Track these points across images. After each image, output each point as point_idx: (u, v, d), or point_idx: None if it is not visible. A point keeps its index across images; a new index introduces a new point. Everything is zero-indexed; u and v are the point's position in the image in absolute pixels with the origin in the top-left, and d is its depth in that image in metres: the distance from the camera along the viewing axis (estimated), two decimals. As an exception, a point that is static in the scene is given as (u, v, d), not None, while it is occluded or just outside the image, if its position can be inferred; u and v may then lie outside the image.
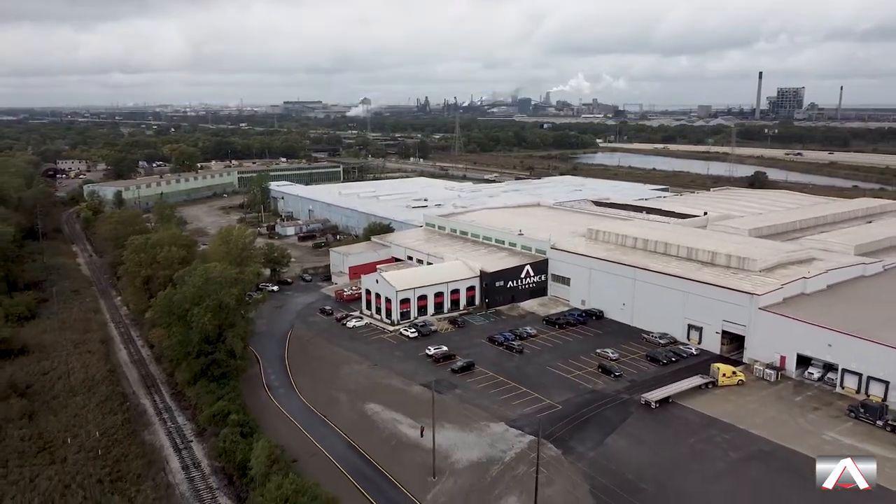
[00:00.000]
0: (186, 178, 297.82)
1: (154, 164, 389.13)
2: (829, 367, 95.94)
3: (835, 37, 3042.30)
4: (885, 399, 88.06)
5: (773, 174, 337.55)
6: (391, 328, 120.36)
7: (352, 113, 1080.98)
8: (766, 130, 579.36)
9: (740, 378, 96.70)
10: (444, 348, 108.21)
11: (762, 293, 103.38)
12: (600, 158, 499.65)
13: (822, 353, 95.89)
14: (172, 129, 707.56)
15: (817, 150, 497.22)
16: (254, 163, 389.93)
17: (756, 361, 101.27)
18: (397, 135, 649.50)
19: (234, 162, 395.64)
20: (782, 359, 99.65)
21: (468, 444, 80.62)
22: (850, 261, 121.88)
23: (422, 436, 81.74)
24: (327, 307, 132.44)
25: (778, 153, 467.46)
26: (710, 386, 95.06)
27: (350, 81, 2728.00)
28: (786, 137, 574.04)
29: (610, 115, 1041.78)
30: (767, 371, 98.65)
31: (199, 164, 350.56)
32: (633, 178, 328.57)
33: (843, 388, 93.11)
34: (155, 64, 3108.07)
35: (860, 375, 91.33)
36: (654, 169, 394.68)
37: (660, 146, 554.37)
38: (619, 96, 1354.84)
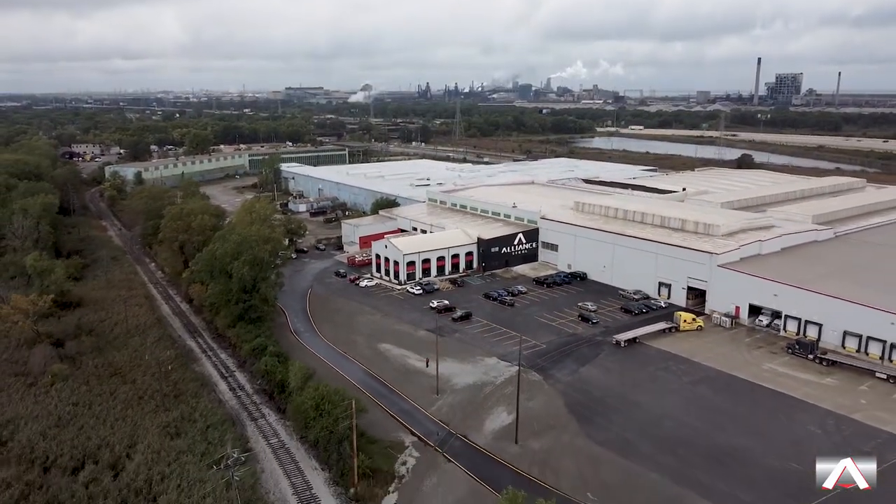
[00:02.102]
0: (200, 160, 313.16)
1: (165, 148, 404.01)
2: (776, 315, 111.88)
3: (829, 22, 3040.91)
4: (818, 339, 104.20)
5: (762, 157, 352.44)
6: (399, 287, 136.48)
7: (353, 99, 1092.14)
8: (758, 115, 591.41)
9: (699, 324, 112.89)
10: (446, 302, 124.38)
11: (721, 253, 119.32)
12: (598, 143, 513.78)
13: (769, 303, 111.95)
14: (177, 115, 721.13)
15: (807, 134, 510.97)
16: (262, 146, 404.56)
17: (714, 311, 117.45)
18: (399, 120, 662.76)
19: (242, 146, 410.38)
20: (737, 308, 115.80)
21: (466, 372, 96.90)
22: (805, 228, 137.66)
23: (427, 366, 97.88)
24: (341, 271, 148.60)
25: (769, 137, 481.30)
26: (672, 330, 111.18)
27: (350, 67, 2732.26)
28: (779, 122, 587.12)
29: (610, 101, 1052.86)
30: (724, 319, 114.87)
31: (210, 148, 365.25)
32: (626, 160, 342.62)
33: (786, 331, 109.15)
34: (154, 50, 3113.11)
35: (799, 320, 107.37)
36: (647, 152, 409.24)
37: (655, 131, 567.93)
38: (620, 82, 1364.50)
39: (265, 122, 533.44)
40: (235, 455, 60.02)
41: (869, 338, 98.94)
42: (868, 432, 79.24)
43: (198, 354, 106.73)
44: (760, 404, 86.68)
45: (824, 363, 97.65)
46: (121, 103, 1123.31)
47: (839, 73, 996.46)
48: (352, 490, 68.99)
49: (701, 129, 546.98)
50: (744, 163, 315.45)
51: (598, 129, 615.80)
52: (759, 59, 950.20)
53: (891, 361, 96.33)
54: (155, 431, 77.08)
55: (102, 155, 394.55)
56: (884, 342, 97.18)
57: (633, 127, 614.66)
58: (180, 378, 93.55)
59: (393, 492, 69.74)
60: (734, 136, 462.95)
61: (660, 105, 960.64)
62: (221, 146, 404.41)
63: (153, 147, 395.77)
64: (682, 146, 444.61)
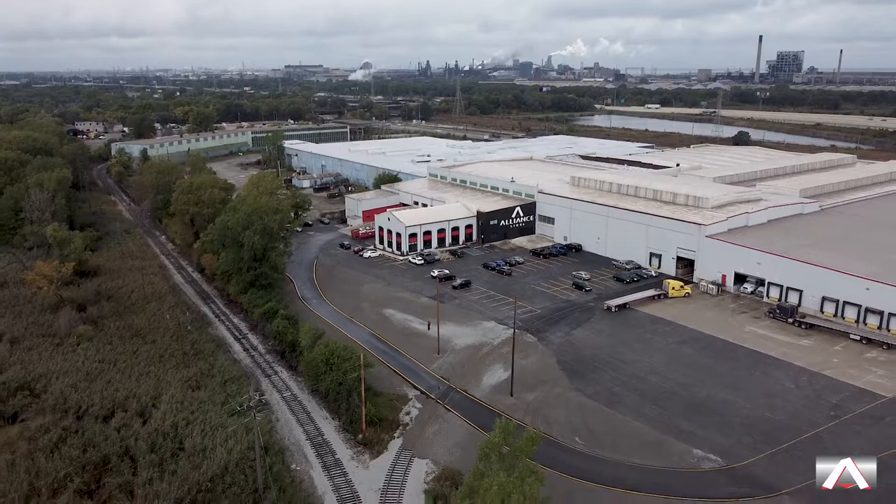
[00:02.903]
0: (204, 137, 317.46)
1: (168, 126, 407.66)
2: (760, 283, 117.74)
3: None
4: (799, 304, 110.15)
5: (759, 135, 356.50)
6: (401, 258, 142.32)
7: (353, 77, 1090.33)
8: (758, 94, 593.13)
9: (687, 291, 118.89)
10: (446, 271, 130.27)
11: (709, 224, 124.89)
12: (597, 121, 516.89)
13: (753, 271, 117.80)
14: (178, 93, 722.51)
15: (806, 112, 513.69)
16: (263, 124, 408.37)
17: (702, 280, 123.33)
18: (399, 98, 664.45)
19: (244, 123, 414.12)
20: (723, 276, 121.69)
21: (465, 334, 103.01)
22: (791, 201, 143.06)
23: (428, 329, 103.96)
24: (345, 243, 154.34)
25: (767, 114, 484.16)
26: (661, 297, 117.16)
27: (349, 45, 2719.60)
28: (778, 100, 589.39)
29: (611, 79, 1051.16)
30: (711, 286, 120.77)
31: (213, 125, 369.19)
32: (625, 138, 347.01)
33: (768, 298, 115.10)
34: (151, 28, 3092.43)
35: (781, 287, 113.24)
36: (646, 130, 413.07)
37: (654, 107, 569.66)
38: (621, 60, 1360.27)
39: (266, 100, 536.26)
40: (257, 397, 66.00)
41: (845, 302, 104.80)
42: (837, 387, 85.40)
43: (211, 319, 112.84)
44: (740, 362, 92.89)
45: (803, 326, 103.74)
46: (120, 81, 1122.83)
47: (840, 51, 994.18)
48: (360, 436, 75.28)
49: (700, 108, 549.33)
50: (740, 140, 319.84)
51: (599, 108, 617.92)
52: (761, 37, 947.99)
53: (865, 324, 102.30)
54: (177, 384, 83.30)
55: (106, 133, 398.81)
56: (859, 306, 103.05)
57: (634, 108, 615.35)
58: (197, 339, 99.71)
59: (398, 437, 76.08)
60: (725, 115, 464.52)
61: (661, 83, 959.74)
62: (224, 124, 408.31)
63: (156, 125, 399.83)
64: (681, 124, 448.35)
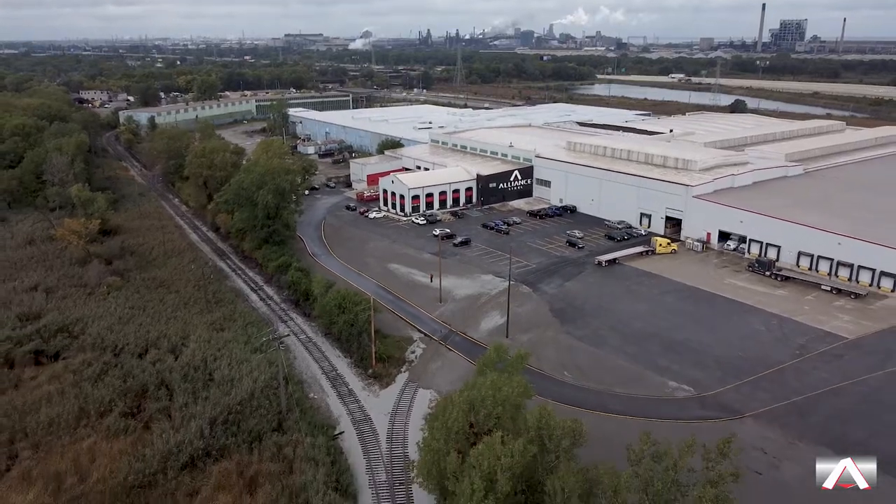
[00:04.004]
0: (209, 105, 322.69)
1: (172, 94, 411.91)
2: (742, 240, 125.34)
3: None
4: (777, 258, 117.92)
5: (756, 103, 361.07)
6: (404, 218, 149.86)
7: (353, 46, 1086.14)
8: (758, 62, 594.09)
9: (674, 248, 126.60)
10: (447, 230, 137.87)
11: (695, 185, 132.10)
12: (598, 90, 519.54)
13: (736, 228, 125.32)
14: (178, 62, 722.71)
15: (806, 81, 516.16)
16: (266, 93, 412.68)
17: (688, 238, 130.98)
18: (400, 67, 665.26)
19: (247, 92, 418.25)
20: (708, 234, 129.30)
21: (465, 285, 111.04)
22: (776, 164, 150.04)
23: (431, 281, 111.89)
24: (351, 205, 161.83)
25: (766, 83, 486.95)
26: (649, 253, 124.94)
27: (348, 13, 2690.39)
28: (778, 69, 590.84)
29: (612, 48, 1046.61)
30: (696, 244, 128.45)
31: (217, 94, 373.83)
32: (624, 106, 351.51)
33: (749, 254, 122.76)
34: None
35: (761, 243, 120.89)
36: (645, 98, 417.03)
37: (678, 77, 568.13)
38: (623, 29, 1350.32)
39: (268, 69, 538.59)
40: (279, 331, 74.10)
41: (819, 257, 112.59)
42: (804, 330, 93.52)
43: (228, 273, 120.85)
44: (717, 309, 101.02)
45: (778, 278, 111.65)
46: (120, 50, 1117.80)
47: (844, 20, 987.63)
48: (370, 370, 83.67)
49: (700, 77, 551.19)
50: (736, 108, 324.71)
51: (599, 77, 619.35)
52: (764, 5, 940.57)
53: (836, 276, 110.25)
54: (203, 326, 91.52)
55: (110, 101, 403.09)
56: (831, 260, 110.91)
57: (634, 77, 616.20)
58: (217, 289, 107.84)
59: (404, 371, 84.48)
60: (724, 84, 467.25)
61: (662, 52, 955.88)
62: (227, 93, 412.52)
63: (161, 94, 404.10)
64: (680, 93, 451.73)
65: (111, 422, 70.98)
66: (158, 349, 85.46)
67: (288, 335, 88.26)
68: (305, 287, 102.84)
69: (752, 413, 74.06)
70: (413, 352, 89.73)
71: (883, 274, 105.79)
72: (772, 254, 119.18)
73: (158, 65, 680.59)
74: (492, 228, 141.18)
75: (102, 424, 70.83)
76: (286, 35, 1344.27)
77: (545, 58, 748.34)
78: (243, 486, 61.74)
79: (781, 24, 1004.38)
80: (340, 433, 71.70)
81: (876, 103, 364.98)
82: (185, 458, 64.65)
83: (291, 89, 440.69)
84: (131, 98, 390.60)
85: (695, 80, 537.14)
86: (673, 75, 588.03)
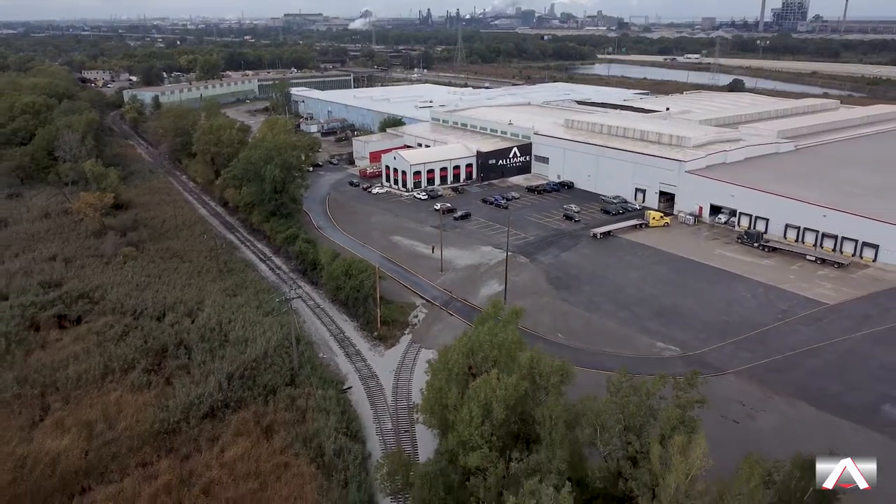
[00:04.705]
0: (212, 85, 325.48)
1: (174, 74, 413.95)
2: (732, 213, 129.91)
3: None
4: (765, 231, 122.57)
5: (755, 83, 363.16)
6: (406, 194, 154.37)
7: (353, 26, 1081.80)
8: (758, 42, 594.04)
9: (666, 221, 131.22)
10: (448, 205, 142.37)
11: (688, 161, 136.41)
12: (598, 70, 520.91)
13: (727, 202, 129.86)
14: (178, 42, 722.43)
15: (806, 61, 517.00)
16: (268, 72, 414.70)
17: (681, 212, 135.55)
18: (401, 47, 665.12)
19: (249, 72, 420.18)
20: (700, 208, 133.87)
21: (465, 256, 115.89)
22: (767, 141, 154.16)
23: (432, 252, 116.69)
24: (354, 181, 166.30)
25: (766, 63, 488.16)
26: (643, 226, 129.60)
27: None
28: (779, 49, 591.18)
29: (614, 28, 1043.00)
30: (688, 217, 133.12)
31: (219, 73, 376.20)
32: (623, 86, 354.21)
33: (739, 226, 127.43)
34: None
35: (751, 216, 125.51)
36: (645, 78, 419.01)
37: (694, 57, 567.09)
38: (625, 8, 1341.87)
39: (269, 49, 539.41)
40: (291, 293, 79.04)
41: (805, 228, 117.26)
42: (788, 297, 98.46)
43: (238, 244, 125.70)
44: (706, 278, 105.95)
45: (766, 249, 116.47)
46: (119, 31, 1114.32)
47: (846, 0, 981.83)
48: (376, 332, 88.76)
49: (698, 56, 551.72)
50: (735, 88, 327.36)
51: (600, 56, 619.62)
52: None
53: (821, 247, 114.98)
54: (217, 293, 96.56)
55: (113, 81, 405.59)
56: (817, 232, 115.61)
57: (635, 57, 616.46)
58: (228, 259, 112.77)
59: (408, 334, 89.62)
60: (723, 63, 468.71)
61: (664, 32, 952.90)
62: (229, 72, 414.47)
63: (163, 73, 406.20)
64: (679, 72, 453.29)
65: (135, 377, 76.13)
66: (175, 313, 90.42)
67: (298, 296, 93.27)
68: (313, 257, 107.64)
69: (733, 370, 79.21)
70: (416, 316, 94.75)
71: (865, 244, 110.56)
72: (760, 226, 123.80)
73: (159, 44, 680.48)
74: (491, 203, 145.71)
75: (127, 380, 75.98)
76: (285, 15, 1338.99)
77: (546, 37, 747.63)
78: (260, 432, 67.03)
79: (784, 3, 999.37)
80: (349, 388, 76.95)
81: (874, 83, 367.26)
82: (206, 409, 69.82)
83: (293, 69, 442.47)
84: (133, 78, 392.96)
85: (681, 58, 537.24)
86: (663, 57, 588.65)
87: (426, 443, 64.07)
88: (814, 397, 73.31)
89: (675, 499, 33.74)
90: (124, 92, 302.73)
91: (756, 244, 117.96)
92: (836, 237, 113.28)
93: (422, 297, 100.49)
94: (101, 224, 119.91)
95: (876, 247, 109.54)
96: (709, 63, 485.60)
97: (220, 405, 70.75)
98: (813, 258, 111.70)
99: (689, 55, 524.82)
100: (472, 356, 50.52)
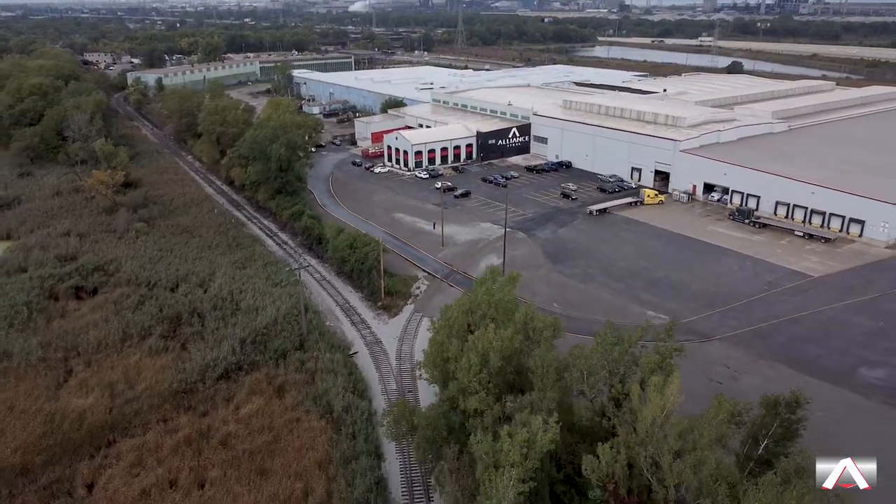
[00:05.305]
0: (214, 67, 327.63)
1: (175, 57, 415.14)
2: (725, 191, 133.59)
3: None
4: (756, 208, 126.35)
5: (754, 65, 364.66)
6: (408, 173, 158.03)
7: (353, 8, 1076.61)
8: (758, 24, 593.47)
9: (661, 199, 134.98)
10: (449, 183, 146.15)
11: (683, 140, 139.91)
12: (598, 52, 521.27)
13: (720, 180, 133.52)
14: (178, 25, 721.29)
15: (806, 43, 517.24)
16: (269, 55, 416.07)
17: (675, 190, 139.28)
18: (401, 30, 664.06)
19: (250, 54, 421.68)
20: (693, 186, 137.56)
21: (465, 232, 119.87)
22: (761, 121, 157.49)
23: (433, 228, 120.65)
24: (357, 160, 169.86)
25: (766, 46, 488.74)
26: (637, 204, 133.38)
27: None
28: (780, 31, 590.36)
29: (615, 10, 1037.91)
30: (682, 195, 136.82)
31: (221, 56, 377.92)
32: (623, 68, 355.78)
33: (732, 204, 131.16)
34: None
35: (742, 194, 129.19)
36: (644, 61, 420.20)
37: (709, 41, 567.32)
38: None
39: (269, 32, 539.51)
40: (300, 262, 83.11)
41: (795, 205, 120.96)
42: (774, 269, 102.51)
43: (244, 221, 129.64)
44: (697, 252, 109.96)
45: (756, 225, 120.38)
46: (118, 13, 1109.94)
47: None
48: (380, 303, 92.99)
49: (700, 38, 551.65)
50: (733, 70, 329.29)
51: (600, 39, 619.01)
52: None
53: (810, 223, 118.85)
54: (227, 265, 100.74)
55: (115, 64, 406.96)
56: (806, 208, 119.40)
57: (635, 39, 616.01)
58: (237, 235, 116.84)
59: (410, 304, 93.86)
60: (723, 46, 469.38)
61: (665, 14, 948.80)
62: (230, 55, 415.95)
63: (165, 56, 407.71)
64: (679, 55, 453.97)
65: (152, 343, 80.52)
66: (188, 284, 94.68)
67: (308, 265, 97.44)
68: (318, 232, 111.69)
69: (719, 337, 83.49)
70: (418, 288, 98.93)
71: (852, 220, 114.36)
72: (752, 203, 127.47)
73: (159, 27, 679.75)
74: (491, 182, 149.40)
75: (144, 345, 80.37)
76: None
77: (546, 20, 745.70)
78: (273, 392, 71.46)
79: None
80: (355, 353, 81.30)
81: (872, 65, 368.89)
82: (221, 371, 74.28)
83: (293, 51, 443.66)
84: (135, 60, 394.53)
85: (668, 41, 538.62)
86: (651, 39, 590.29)
87: (428, 399, 68.36)
88: (795, 361, 77.57)
89: (651, 430, 37.91)
90: (127, 74, 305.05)
91: (747, 220, 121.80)
92: (824, 213, 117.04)
93: (423, 270, 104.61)
94: (113, 201, 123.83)
95: (862, 222, 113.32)
96: (709, 46, 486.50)
97: (233, 367, 75.18)
98: (801, 234, 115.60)
99: (677, 40, 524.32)
100: (471, 315, 54.64)
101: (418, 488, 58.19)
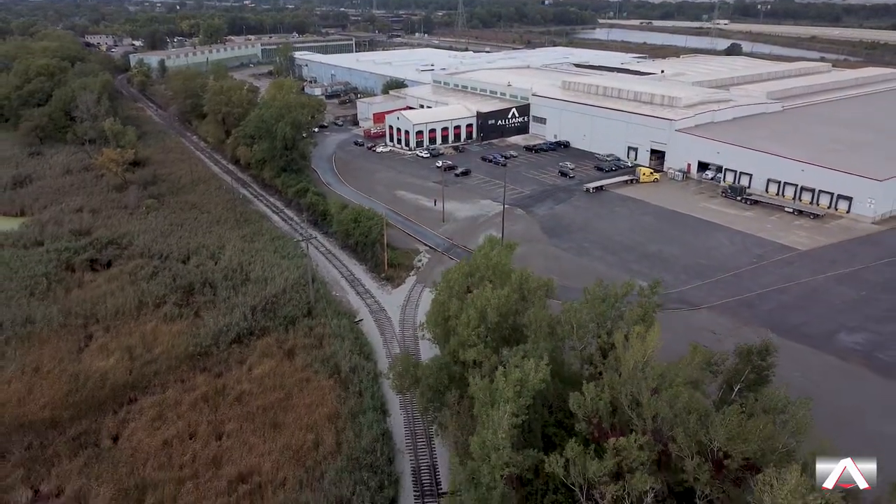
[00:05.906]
0: (216, 49, 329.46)
1: (176, 39, 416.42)
2: (719, 169, 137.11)
3: None
4: (748, 185, 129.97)
5: (752, 47, 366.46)
6: (409, 152, 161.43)
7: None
8: (759, 6, 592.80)
9: (656, 177, 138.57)
10: (449, 162, 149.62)
11: (678, 119, 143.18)
12: (599, 34, 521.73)
13: (713, 159, 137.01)
14: (178, 7, 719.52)
15: (807, 25, 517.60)
16: (270, 37, 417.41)
17: (670, 168, 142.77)
18: (401, 12, 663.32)
19: (251, 36, 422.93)
20: (688, 165, 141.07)
21: (465, 209, 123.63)
22: (755, 101, 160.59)
23: (434, 205, 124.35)
24: (359, 140, 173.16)
25: (766, 28, 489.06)
26: (633, 182, 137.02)
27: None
28: (779, 14, 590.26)
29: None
30: (677, 173, 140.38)
31: (223, 38, 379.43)
32: (623, 50, 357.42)
33: (725, 182, 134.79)
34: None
35: (735, 172, 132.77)
36: (644, 43, 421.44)
37: (723, 23, 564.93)
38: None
39: (270, 14, 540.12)
40: (308, 234, 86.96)
41: (785, 182, 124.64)
42: (763, 243, 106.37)
43: (251, 199, 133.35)
44: (689, 227, 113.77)
45: (748, 202, 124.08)
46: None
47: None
48: (383, 274, 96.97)
49: (701, 21, 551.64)
50: (732, 52, 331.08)
51: (601, 21, 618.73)
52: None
53: (800, 200, 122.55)
54: (236, 239, 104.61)
55: (116, 46, 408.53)
56: (796, 185, 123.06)
57: (635, 21, 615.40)
58: (244, 211, 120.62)
59: (412, 275, 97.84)
60: (724, 28, 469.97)
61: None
62: (231, 37, 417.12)
63: (166, 38, 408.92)
64: (679, 37, 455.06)
65: (167, 310, 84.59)
66: (199, 256, 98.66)
67: (314, 236, 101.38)
68: (323, 208, 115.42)
69: (707, 305, 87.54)
70: (420, 260, 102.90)
71: (840, 197, 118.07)
72: (744, 181, 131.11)
73: (159, 8, 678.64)
74: (490, 161, 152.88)
75: (160, 312, 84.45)
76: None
77: (547, 2, 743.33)
78: (283, 354, 75.63)
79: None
80: (360, 320, 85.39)
81: (871, 47, 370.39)
82: (233, 336, 78.41)
83: (294, 34, 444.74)
84: (137, 43, 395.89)
85: (657, 23, 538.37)
86: (639, 21, 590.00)
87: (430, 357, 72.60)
88: (778, 327, 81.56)
89: (632, 373, 41.93)
90: (130, 56, 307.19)
91: (739, 198, 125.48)
92: (813, 190, 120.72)
93: (425, 244, 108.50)
94: (123, 178, 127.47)
95: (850, 199, 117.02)
96: (708, 28, 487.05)
97: (245, 332, 79.30)
98: (791, 210, 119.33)
99: (678, 23, 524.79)
100: (470, 277, 58.60)
101: (421, 440, 62.55)
